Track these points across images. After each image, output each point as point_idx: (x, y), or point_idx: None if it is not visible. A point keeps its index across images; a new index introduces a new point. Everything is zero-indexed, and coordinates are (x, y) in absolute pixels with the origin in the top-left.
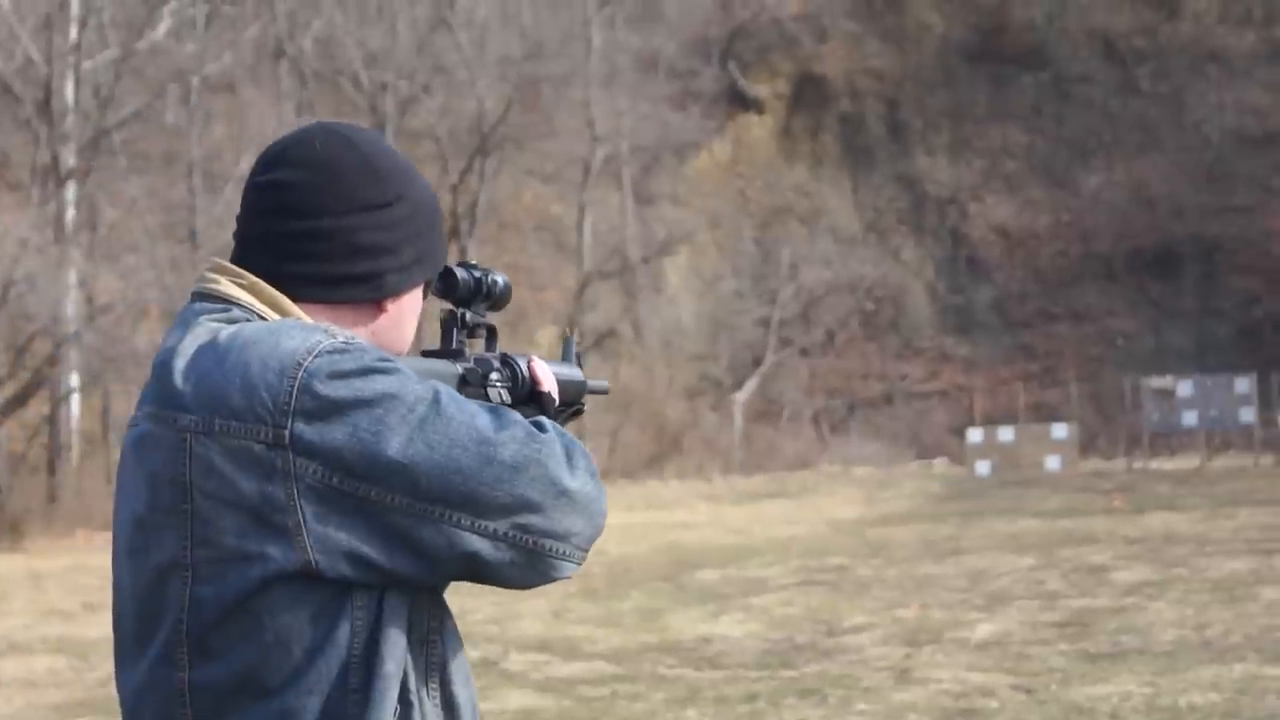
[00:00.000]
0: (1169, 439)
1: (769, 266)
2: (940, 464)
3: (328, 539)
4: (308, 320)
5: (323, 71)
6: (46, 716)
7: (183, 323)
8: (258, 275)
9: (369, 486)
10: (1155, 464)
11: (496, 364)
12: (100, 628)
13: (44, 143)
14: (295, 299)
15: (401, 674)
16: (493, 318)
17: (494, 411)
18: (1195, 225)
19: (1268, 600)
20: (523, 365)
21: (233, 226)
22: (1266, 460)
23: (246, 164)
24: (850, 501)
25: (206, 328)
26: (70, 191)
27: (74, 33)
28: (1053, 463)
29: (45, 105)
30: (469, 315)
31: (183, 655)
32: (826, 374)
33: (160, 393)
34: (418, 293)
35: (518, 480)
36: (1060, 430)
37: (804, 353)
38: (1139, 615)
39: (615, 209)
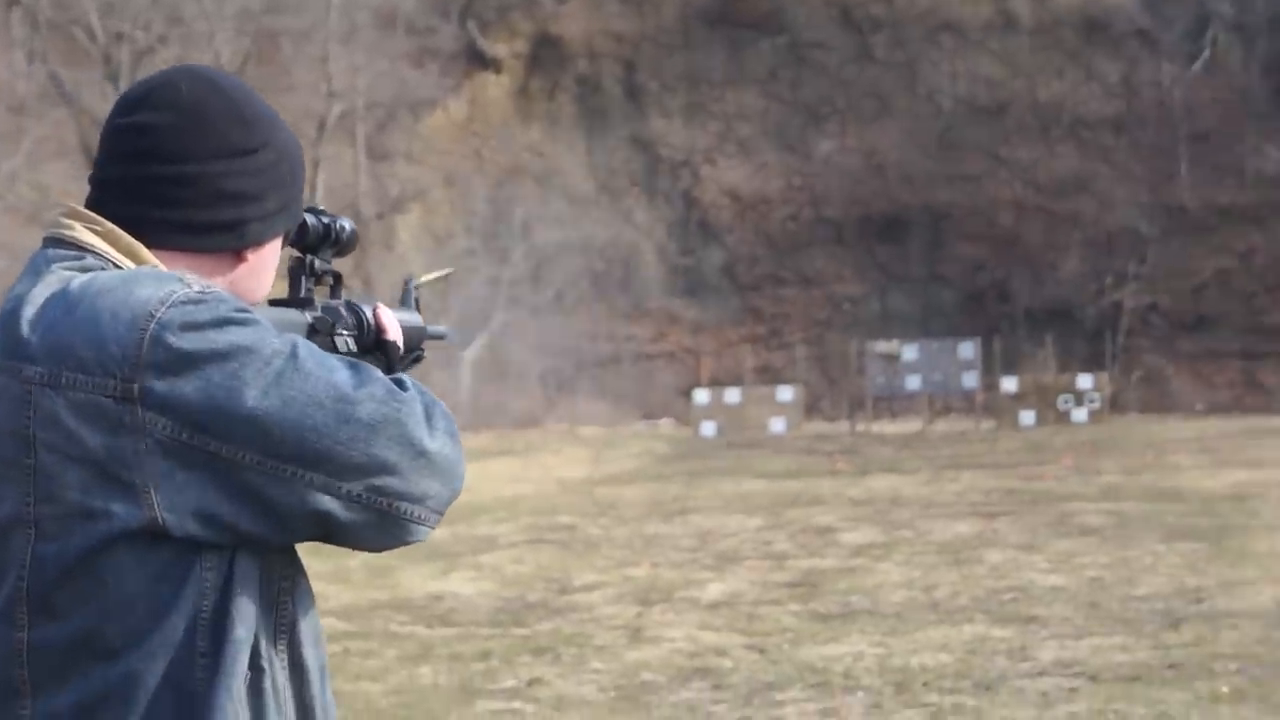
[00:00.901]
0: (892, 403)
1: (501, 225)
2: (666, 424)
3: (176, 496)
4: (164, 269)
5: (56, 20)
6: None
7: (33, 270)
8: (115, 222)
9: (220, 443)
10: (878, 427)
11: (344, 312)
12: None
13: None
14: (153, 246)
15: (253, 638)
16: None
17: (354, 367)
18: (924, 192)
19: (993, 563)
20: (368, 312)
21: None
22: (988, 424)
23: None
24: (577, 461)
25: (58, 276)
26: None
27: None
28: (777, 425)
29: None
30: (317, 262)
31: (22, 614)
32: (555, 333)
33: (6, 342)
34: (277, 242)
35: (375, 440)
36: (785, 393)
37: (534, 312)
38: (867, 576)
39: (349, 165)
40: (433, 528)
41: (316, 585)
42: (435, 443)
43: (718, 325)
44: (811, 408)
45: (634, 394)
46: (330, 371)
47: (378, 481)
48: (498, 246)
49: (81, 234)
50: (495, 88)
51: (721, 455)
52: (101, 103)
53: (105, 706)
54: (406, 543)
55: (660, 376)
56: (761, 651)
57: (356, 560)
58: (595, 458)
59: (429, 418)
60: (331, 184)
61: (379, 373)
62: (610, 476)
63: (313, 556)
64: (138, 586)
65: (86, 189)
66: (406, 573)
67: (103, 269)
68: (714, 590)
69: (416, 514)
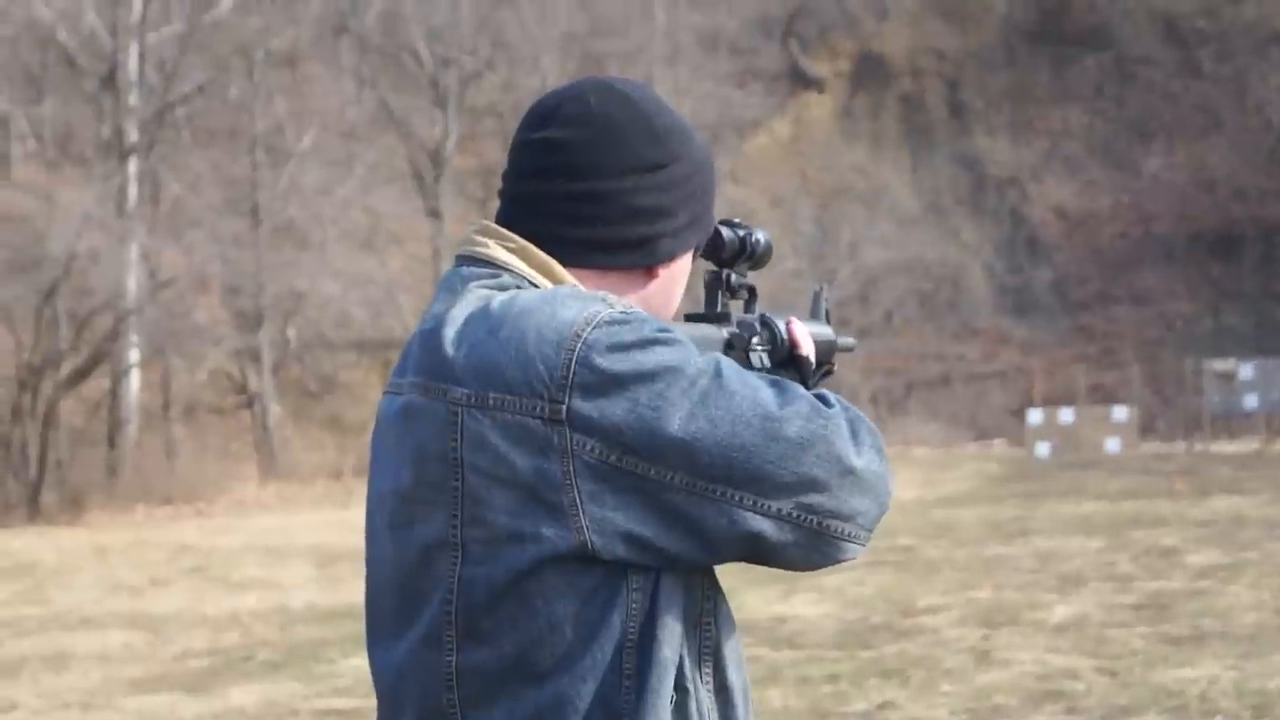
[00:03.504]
0: (1229, 422)
1: (828, 246)
2: (999, 445)
3: (604, 519)
4: (581, 288)
5: (385, 47)
6: (125, 691)
7: (450, 289)
8: (526, 238)
9: (648, 465)
10: (1215, 447)
11: (758, 326)
12: (169, 604)
13: (108, 117)
14: (565, 264)
15: (678, 659)
16: (751, 278)
17: (776, 384)
18: (1256, 207)
19: None
20: (781, 327)
21: (295, 201)
22: None
23: (309, 139)
24: (910, 482)
25: (477, 294)
26: (133, 166)
27: (139, 7)
28: (1112, 445)
29: (110, 79)
30: (733, 276)
31: (450, 638)
32: (884, 354)
33: (428, 362)
34: (688, 257)
35: (803, 458)
36: (1120, 412)
37: (862, 333)
38: (1216, 598)
39: None
40: (864, 545)
41: None
42: (862, 459)
43: (1048, 344)
44: (1146, 427)
45: (966, 414)
46: (755, 390)
47: (806, 500)
48: (825, 267)
49: (496, 251)
50: (819, 107)
51: (1057, 476)
52: (429, 128)
53: None
54: (838, 561)
55: (992, 396)
56: (1113, 675)
57: None
58: (928, 479)
59: (854, 434)
60: None
61: (802, 389)
62: (945, 498)
63: None
64: (566, 609)
65: (416, 214)
66: (750, 595)
67: (519, 287)
68: (1060, 612)
69: (847, 532)
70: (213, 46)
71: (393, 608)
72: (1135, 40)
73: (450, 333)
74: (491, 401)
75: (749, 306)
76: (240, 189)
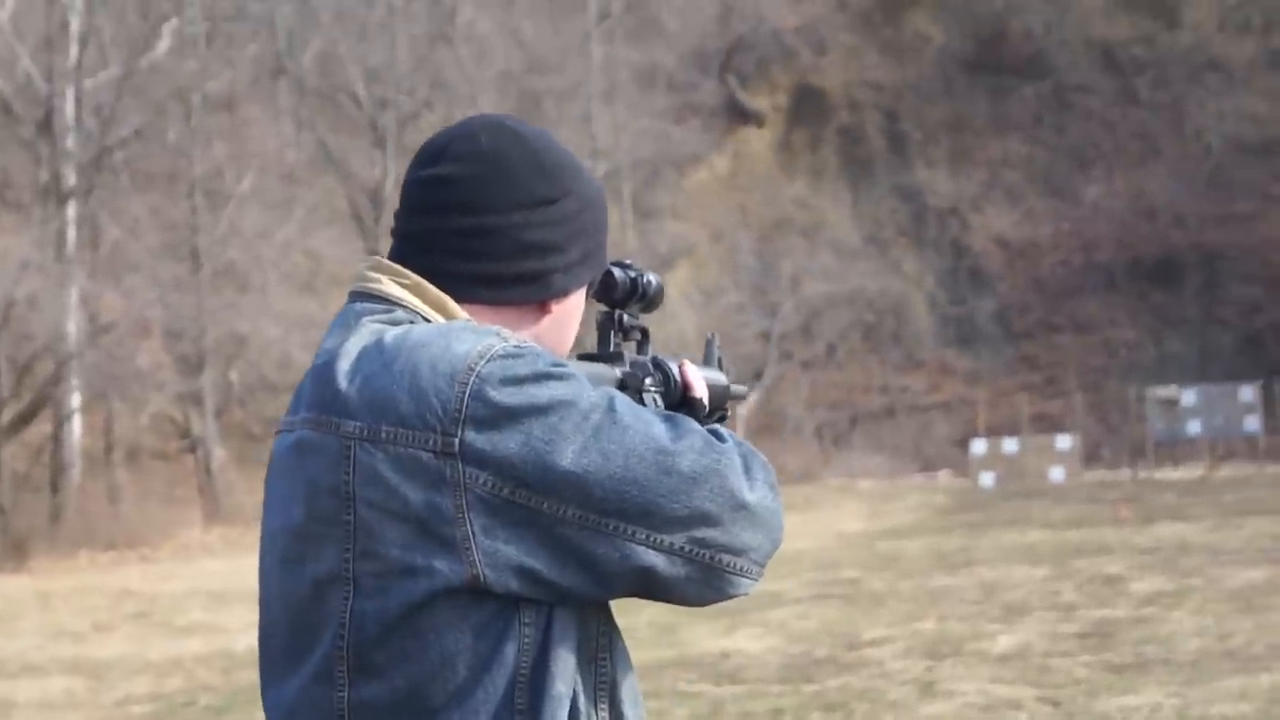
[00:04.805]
0: (1173, 448)
1: (769, 279)
2: (944, 476)
3: (497, 553)
4: (474, 323)
5: (323, 88)
6: None
7: (344, 324)
8: (419, 274)
9: (541, 498)
10: (1160, 474)
11: (651, 368)
12: (112, 649)
13: (45, 162)
14: (458, 299)
15: (571, 694)
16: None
17: (669, 420)
18: (1196, 234)
19: None
20: (674, 369)
21: (235, 244)
22: (1272, 469)
23: (248, 183)
24: (856, 514)
25: (370, 329)
26: (72, 210)
27: (75, 52)
28: (1057, 474)
29: (46, 124)
30: (625, 317)
31: (342, 673)
32: (828, 387)
33: (320, 397)
34: (581, 294)
35: (695, 492)
36: (1064, 441)
37: (805, 365)
38: (1160, 625)
39: (616, 223)
40: (755, 580)
41: None
42: (755, 494)
43: (992, 374)
44: (1091, 455)
45: (910, 446)
46: (648, 424)
47: (699, 534)
48: (767, 301)
49: (389, 287)
50: (758, 141)
51: (1001, 506)
52: (369, 169)
53: None
54: (729, 596)
55: (936, 427)
56: (1055, 704)
57: (642, 618)
58: (874, 511)
59: (748, 469)
60: None
61: (695, 424)
62: (890, 529)
63: None
64: (459, 643)
65: (357, 255)
66: (693, 630)
67: (412, 322)
68: (1004, 642)
69: (739, 566)
70: (149, 90)
71: (282, 647)
72: (1072, 69)
73: (344, 366)
74: (384, 435)
75: (641, 348)
76: (180, 233)
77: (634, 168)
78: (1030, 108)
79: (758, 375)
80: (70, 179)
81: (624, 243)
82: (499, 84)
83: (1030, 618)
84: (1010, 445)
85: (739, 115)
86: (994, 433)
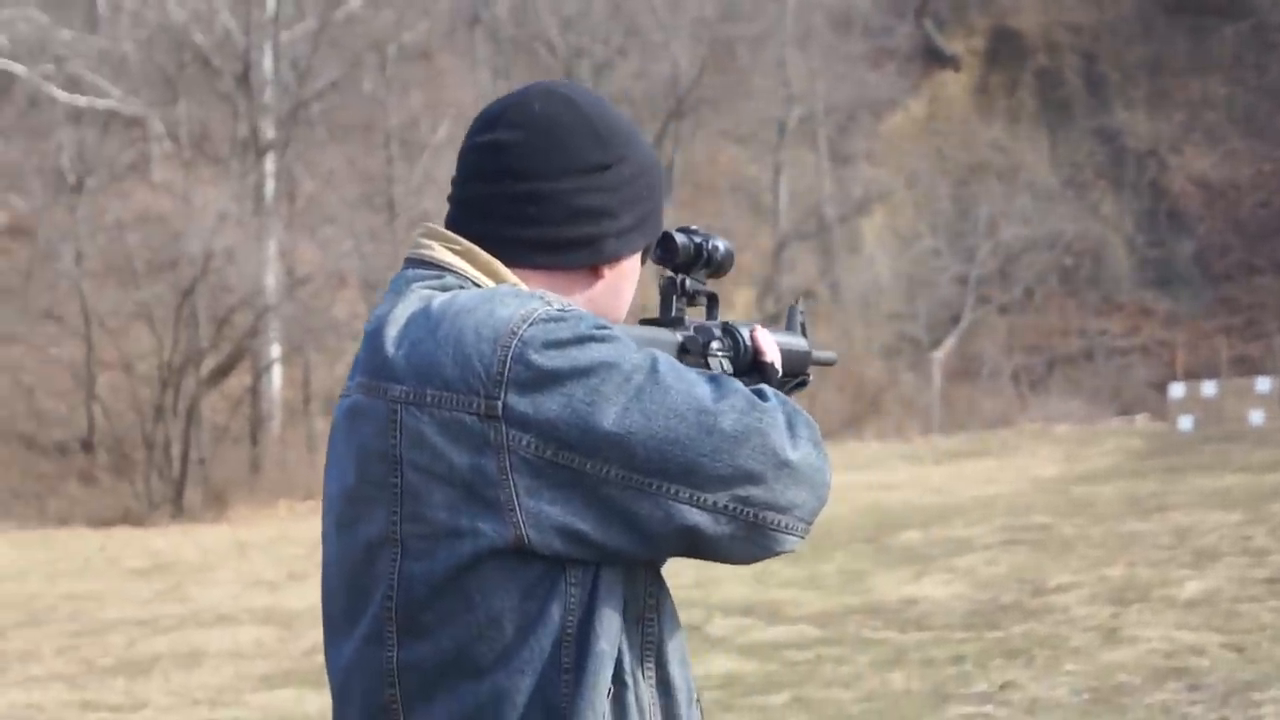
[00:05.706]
0: None
1: (966, 224)
2: (1142, 420)
3: (540, 514)
4: (523, 287)
5: (518, 37)
6: (254, 687)
7: (395, 290)
8: (472, 240)
9: (584, 459)
10: None
11: (718, 332)
12: (305, 598)
13: (243, 115)
14: (511, 264)
15: (616, 653)
16: (712, 284)
17: (713, 380)
18: None
19: None
20: (745, 334)
21: (430, 194)
22: None
23: (444, 132)
24: (1051, 459)
25: (419, 295)
26: (269, 163)
27: (272, 5)
28: (1256, 417)
29: (244, 78)
30: (689, 282)
31: (391, 634)
32: (1025, 331)
33: (371, 362)
34: (636, 259)
35: (738, 451)
36: (1264, 384)
37: (1002, 310)
38: None
39: (811, 169)
40: (801, 537)
41: (789, 592)
42: (798, 452)
43: (1191, 317)
44: None
45: (1108, 390)
46: (690, 384)
47: (743, 492)
48: (963, 245)
49: (440, 253)
50: (954, 85)
51: (1199, 450)
52: None
53: None
54: (775, 553)
55: (1134, 371)
56: (1240, 650)
57: (831, 566)
58: (1069, 455)
59: (791, 426)
60: (795, 189)
61: (739, 384)
62: (1085, 474)
63: (786, 564)
64: (505, 604)
65: None
66: (880, 577)
67: (462, 287)
68: (1191, 588)
69: (784, 523)
70: (345, 42)
71: (341, 608)
72: (1273, 8)
73: (392, 332)
74: (429, 398)
75: (710, 313)
76: (375, 184)
77: (829, 113)
78: (1230, 47)
79: (954, 320)
80: (268, 132)
81: (820, 188)
82: (693, 31)
83: (1220, 563)
84: (1209, 388)
85: (935, 59)
86: (1192, 376)
